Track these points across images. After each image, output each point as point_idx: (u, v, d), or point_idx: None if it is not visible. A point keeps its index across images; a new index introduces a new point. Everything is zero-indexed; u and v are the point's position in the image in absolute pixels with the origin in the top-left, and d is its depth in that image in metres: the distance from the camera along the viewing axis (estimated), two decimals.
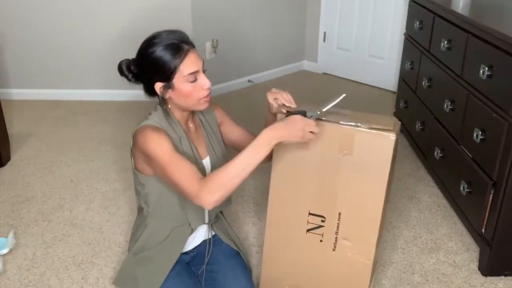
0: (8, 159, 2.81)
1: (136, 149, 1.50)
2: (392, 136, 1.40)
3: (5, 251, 2.04)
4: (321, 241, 1.58)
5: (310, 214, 1.57)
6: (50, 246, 2.11)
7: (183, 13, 3.50)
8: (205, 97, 1.48)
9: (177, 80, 1.44)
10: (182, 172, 1.37)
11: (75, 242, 2.14)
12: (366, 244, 1.54)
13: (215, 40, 3.72)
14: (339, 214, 1.53)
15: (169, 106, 1.53)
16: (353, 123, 1.43)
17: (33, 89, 3.72)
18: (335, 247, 1.57)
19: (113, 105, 3.64)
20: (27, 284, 1.90)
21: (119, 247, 2.11)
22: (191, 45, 1.47)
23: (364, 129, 1.42)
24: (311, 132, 1.37)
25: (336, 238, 1.56)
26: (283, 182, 1.58)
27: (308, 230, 1.59)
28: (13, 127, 3.21)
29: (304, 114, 1.42)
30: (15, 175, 2.67)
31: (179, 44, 1.43)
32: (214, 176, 1.34)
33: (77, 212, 2.35)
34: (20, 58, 3.63)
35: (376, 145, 1.42)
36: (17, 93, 3.70)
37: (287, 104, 1.50)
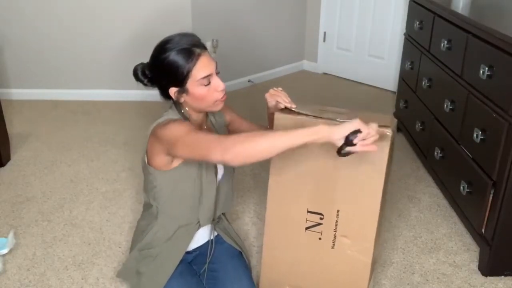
0: (8, 159, 2.81)
1: (156, 142, 1.48)
2: (388, 132, 1.41)
3: (5, 251, 2.04)
4: (320, 238, 1.59)
5: (308, 212, 1.58)
6: (50, 246, 2.11)
7: (183, 13, 3.50)
8: (220, 98, 1.49)
9: (190, 84, 1.44)
10: (209, 134, 1.36)
11: (75, 242, 2.14)
12: (364, 241, 1.55)
13: (215, 40, 3.72)
14: (338, 211, 1.54)
15: (186, 109, 1.53)
16: (349, 120, 1.44)
17: (33, 89, 3.72)
18: (334, 244, 1.58)
19: (113, 105, 3.64)
20: (27, 284, 1.90)
21: (119, 247, 2.11)
22: (203, 48, 1.47)
23: None
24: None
25: (334, 235, 1.57)
26: (282, 180, 1.58)
27: (307, 228, 1.60)
28: (13, 127, 3.21)
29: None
30: (15, 175, 2.67)
31: (191, 49, 1.43)
32: (245, 134, 1.29)
33: (77, 212, 2.35)
34: (20, 58, 3.63)
35: None
36: (17, 93, 3.70)
37: (288, 106, 1.50)
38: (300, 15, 4.34)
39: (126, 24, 3.52)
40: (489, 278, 1.97)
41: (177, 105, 1.53)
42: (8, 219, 2.29)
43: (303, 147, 1.43)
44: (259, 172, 2.71)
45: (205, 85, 1.45)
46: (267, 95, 1.54)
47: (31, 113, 3.49)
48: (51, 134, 3.17)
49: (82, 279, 1.93)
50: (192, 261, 1.73)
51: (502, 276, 1.97)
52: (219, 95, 1.48)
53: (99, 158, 2.87)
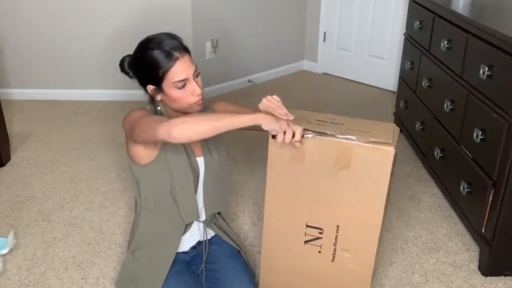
0: (8, 159, 2.81)
1: (125, 132, 1.54)
2: (391, 151, 1.35)
3: (5, 251, 2.04)
4: (319, 252, 1.56)
5: (307, 226, 1.54)
6: (50, 246, 2.11)
7: (183, 13, 3.49)
8: (196, 102, 1.49)
9: (165, 85, 1.46)
10: (161, 117, 1.45)
11: (75, 242, 2.14)
12: (365, 255, 1.52)
13: (215, 40, 3.72)
14: (337, 226, 1.51)
15: (163, 106, 1.56)
16: (350, 136, 1.38)
17: (33, 89, 3.72)
18: (334, 258, 1.55)
19: (113, 105, 3.64)
20: (27, 284, 1.90)
21: (119, 247, 2.11)
22: (184, 51, 1.47)
23: (362, 143, 1.37)
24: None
25: (334, 249, 1.54)
26: (279, 194, 1.54)
27: (306, 242, 1.57)
28: (13, 127, 3.21)
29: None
30: (15, 175, 2.67)
31: (170, 52, 1.45)
32: (191, 115, 1.41)
33: (77, 212, 2.35)
34: (20, 58, 3.63)
35: (374, 159, 1.38)
36: (17, 93, 3.70)
37: (284, 119, 1.46)
38: (300, 15, 4.34)
39: (126, 24, 3.52)
40: (489, 278, 1.97)
41: (154, 101, 1.57)
42: (8, 219, 2.29)
43: (302, 162, 1.45)
44: (259, 172, 2.71)
45: (179, 88, 1.46)
46: (260, 106, 1.48)
47: (31, 113, 3.49)
48: (51, 134, 3.17)
49: (82, 279, 1.93)
50: (191, 261, 1.73)
51: (502, 276, 1.97)
52: (195, 99, 1.48)
53: (99, 158, 2.87)
